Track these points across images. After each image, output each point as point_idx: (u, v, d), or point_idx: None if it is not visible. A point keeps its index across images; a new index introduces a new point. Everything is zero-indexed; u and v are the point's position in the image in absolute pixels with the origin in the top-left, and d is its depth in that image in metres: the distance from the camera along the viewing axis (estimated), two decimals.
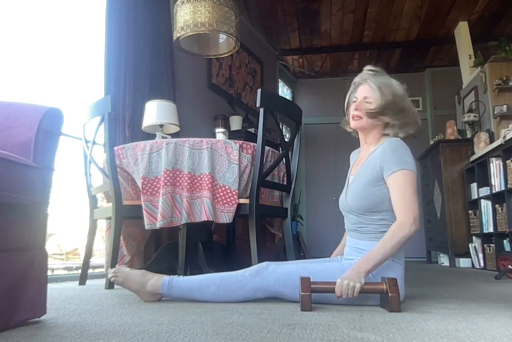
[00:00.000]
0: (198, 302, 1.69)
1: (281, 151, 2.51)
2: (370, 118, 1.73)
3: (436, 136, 4.99)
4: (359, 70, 1.87)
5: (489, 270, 3.76)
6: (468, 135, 4.70)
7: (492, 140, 4.18)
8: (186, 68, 4.11)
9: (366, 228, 1.69)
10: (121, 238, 2.59)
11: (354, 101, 1.79)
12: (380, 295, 1.56)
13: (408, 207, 1.57)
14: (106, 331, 1.13)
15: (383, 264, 1.59)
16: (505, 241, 3.57)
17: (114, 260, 2.32)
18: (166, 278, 1.69)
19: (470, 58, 4.89)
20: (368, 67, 1.83)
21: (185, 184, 2.27)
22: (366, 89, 1.75)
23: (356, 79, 1.83)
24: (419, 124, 1.78)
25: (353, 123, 1.78)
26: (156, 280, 1.68)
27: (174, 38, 2.77)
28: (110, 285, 2.27)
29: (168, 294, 1.69)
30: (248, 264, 2.19)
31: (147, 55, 3.45)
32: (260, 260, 2.15)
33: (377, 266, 1.53)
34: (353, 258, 1.67)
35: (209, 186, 2.26)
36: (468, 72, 4.98)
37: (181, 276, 1.72)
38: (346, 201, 1.75)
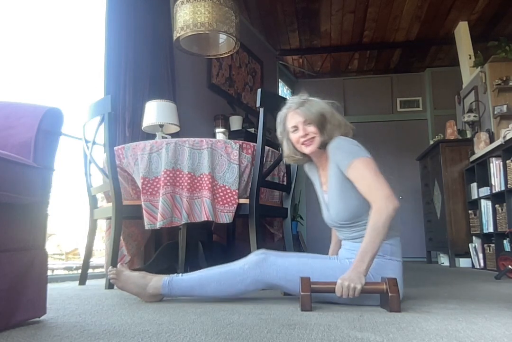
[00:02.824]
0: (199, 301, 1.69)
1: (281, 151, 2.51)
2: (321, 138, 1.71)
3: (436, 136, 4.99)
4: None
5: (489, 270, 3.76)
6: (468, 135, 4.70)
7: (492, 140, 4.18)
8: (186, 68, 4.11)
9: (363, 234, 1.66)
10: (121, 238, 2.59)
11: (295, 130, 1.75)
12: (380, 295, 1.56)
13: (376, 190, 1.57)
14: (106, 331, 1.13)
15: (383, 264, 1.59)
16: (505, 241, 3.57)
17: (114, 260, 2.32)
18: (166, 278, 1.69)
19: (470, 58, 4.89)
20: (291, 97, 1.84)
21: (185, 184, 2.27)
22: (299, 114, 1.73)
23: (283, 110, 1.80)
24: (352, 132, 1.79)
25: (308, 149, 1.73)
26: (156, 281, 1.68)
27: (174, 38, 2.77)
28: (110, 285, 2.26)
29: (169, 294, 1.69)
30: None
31: (147, 55, 3.45)
32: None
33: (373, 259, 1.52)
34: (352, 257, 1.67)
35: (209, 186, 2.26)
36: (468, 72, 4.98)
37: (180, 275, 1.72)
38: (332, 217, 1.74)
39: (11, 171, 1.14)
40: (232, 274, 1.65)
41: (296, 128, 1.74)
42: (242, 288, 1.65)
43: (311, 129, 1.71)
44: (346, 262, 1.64)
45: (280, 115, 1.82)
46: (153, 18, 3.59)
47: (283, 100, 2.69)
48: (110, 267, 1.78)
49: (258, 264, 1.64)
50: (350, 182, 1.64)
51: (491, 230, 3.83)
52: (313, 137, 1.71)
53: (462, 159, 4.56)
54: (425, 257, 5.42)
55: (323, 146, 1.72)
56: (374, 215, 1.55)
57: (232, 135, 3.82)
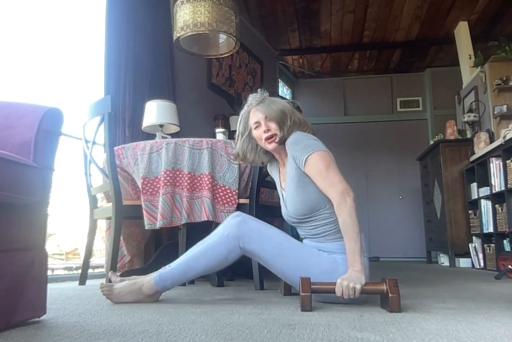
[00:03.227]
0: (199, 301, 1.69)
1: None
2: (281, 134, 1.72)
3: (436, 136, 4.99)
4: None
5: (489, 270, 3.76)
6: (468, 135, 4.70)
7: (492, 140, 4.18)
8: (186, 68, 4.11)
9: (323, 230, 1.67)
10: (121, 238, 2.59)
11: (257, 126, 1.76)
12: (380, 295, 1.56)
13: (331, 187, 1.58)
14: (106, 331, 1.13)
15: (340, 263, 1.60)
16: (505, 241, 3.57)
17: (114, 260, 2.32)
18: (155, 275, 1.68)
19: (470, 58, 4.89)
20: (251, 95, 1.85)
21: (185, 184, 2.27)
22: (260, 111, 1.76)
23: (244, 108, 1.83)
24: (311, 131, 1.79)
25: (271, 146, 1.74)
26: (149, 281, 1.66)
27: (174, 38, 2.78)
28: None
29: (164, 288, 1.67)
30: (248, 263, 2.19)
31: (147, 55, 3.45)
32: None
33: (362, 254, 1.53)
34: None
35: (209, 186, 2.26)
36: (468, 72, 4.98)
37: (168, 266, 1.70)
38: (290, 213, 1.74)
39: (11, 171, 1.14)
40: (216, 245, 1.64)
41: (258, 124, 1.76)
42: (227, 253, 1.63)
43: (272, 125, 1.73)
44: (325, 254, 1.64)
45: (242, 113, 1.84)
46: (153, 18, 3.59)
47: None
48: (101, 283, 1.73)
49: (239, 226, 1.64)
50: (308, 176, 1.65)
51: (491, 230, 3.83)
52: (275, 135, 1.72)
53: (462, 159, 4.56)
54: (425, 257, 5.42)
55: (282, 142, 1.73)
56: (338, 214, 1.56)
57: (232, 135, 3.81)
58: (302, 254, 1.63)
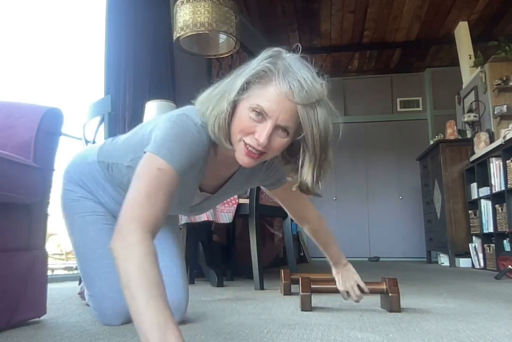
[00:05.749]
0: (199, 301, 1.69)
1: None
2: (270, 158, 1.06)
3: (436, 136, 4.99)
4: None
5: (489, 270, 3.76)
6: (468, 135, 4.70)
7: (492, 140, 4.18)
8: (186, 68, 4.11)
9: None
10: None
11: (259, 116, 0.96)
12: (380, 295, 1.56)
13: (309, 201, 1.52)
14: (106, 331, 1.13)
15: None
16: (505, 241, 3.57)
17: None
18: None
19: (470, 58, 4.89)
20: (303, 71, 1.08)
21: None
22: (290, 112, 0.97)
23: (277, 75, 1.01)
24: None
25: (246, 161, 0.99)
26: None
27: (174, 38, 2.78)
28: None
29: None
30: (248, 263, 2.19)
31: (147, 55, 3.45)
32: (260, 260, 2.16)
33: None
34: None
35: None
36: (468, 72, 4.98)
37: None
38: (202, 211, 1.39)
39: (11, 171, 1.14)
40: None
41: (263, 117, 0.96)
42: None
43: (279, 143, 0.99)
44: None
45: (262, 71, 1.01)
46: (153, 18, 3.59)
47: None
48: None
49: None
50: None
51: (491, 230, 3.83)
52: (264, 153, 1.00)
53: (462, 159, 4.56)
54: (425, 257, 5.42)
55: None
56: (323, 224, 1.50)
57: None
58: None
